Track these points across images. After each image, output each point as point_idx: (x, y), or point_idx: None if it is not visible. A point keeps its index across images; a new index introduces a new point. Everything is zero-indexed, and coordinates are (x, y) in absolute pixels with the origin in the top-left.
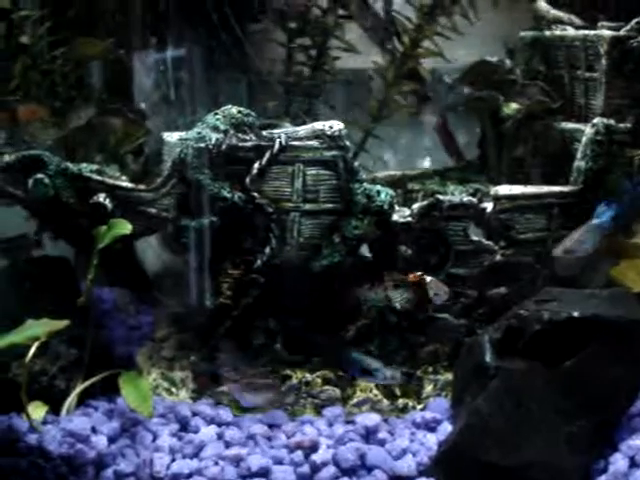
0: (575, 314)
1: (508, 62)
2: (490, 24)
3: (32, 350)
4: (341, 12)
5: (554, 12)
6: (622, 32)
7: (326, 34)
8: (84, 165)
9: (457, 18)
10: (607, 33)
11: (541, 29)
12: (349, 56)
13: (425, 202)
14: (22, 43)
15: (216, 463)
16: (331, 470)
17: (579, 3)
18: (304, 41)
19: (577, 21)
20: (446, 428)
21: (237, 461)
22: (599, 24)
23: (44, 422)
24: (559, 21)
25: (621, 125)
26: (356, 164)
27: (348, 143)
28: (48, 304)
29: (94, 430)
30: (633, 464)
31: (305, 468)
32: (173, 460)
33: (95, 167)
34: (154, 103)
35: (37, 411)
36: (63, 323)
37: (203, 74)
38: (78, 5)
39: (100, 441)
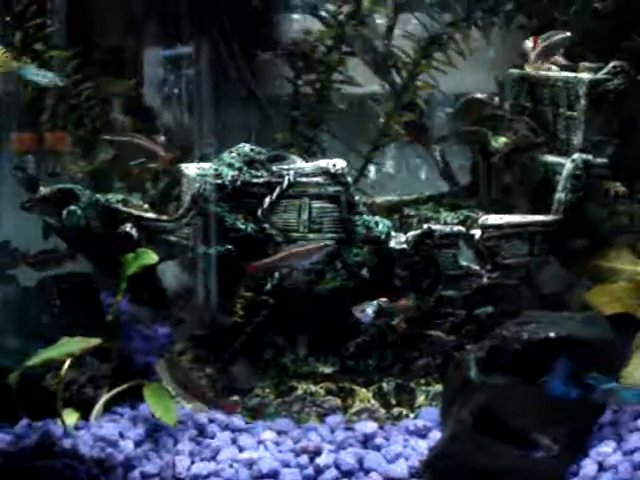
0: (551, 335)
1: (496, 99)
2: (485, 55)
3: (67, 364)
4: (344, 48)
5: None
6: (600, 75)
7: (330, 69)
8: (111, 196)
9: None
10: (586, 76)
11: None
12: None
13: (419, 231)
14: None
15: (231, 466)
16: (333, 472)
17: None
18: (309, 76)
19: (561, 60)
20: (436, 435)
21: (250, 464)
22: (580, 65)
23: (76, 427)
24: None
25: (599, 160)
26: (357, 198)
27: (349, 179)
28: (73, 318)
29: (121, 435)
30: (601, 468)
31: (310, 470)
32: (193, 462)
33: (121, 197)
34: (171, 133)
35: (69, 417)
36: (96, 341)
37: (215, 106)
38: (103, 46)
39: (127, 445)
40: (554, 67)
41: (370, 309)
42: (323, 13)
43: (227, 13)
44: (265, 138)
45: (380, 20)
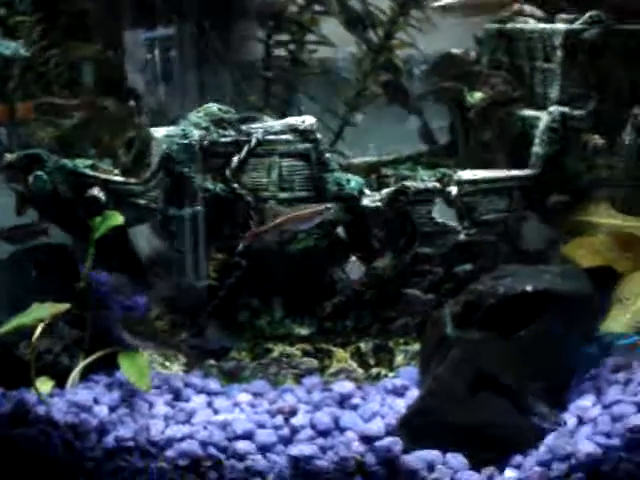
0: (528, 288)
1: (473, 54)
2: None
3: (38, 330)
4: (317, 7)
5: (517, 5)
6: (576, 25)
7: (302, 29)
8: (79, 161)
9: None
10: (561, 27)
11: (505, 21)
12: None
13: (392, 188)
14: None
15: (205, 428)
16: (308, 432)
17: None
18: (282, 36)
19: (538, 13)
20: (414, 394)
21: (224, 426)
22: (557, 17)
23: (51, 395)
24: (521, 13)
25: (576, 112)
26: (327, 155)
27: (319, 136)
28: (51, 289)
29: (96, 401)
30: (580, 422)
31: (285, 431)
32: (167, 426)
33: (90, 162)
34: (143, 97)
35: (44, 386)
36: (65, 306)
37: (189, 68)
38: (69, 12)
39: (102, 410)
40: (531, 20)
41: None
42: None
43: None
44: (239, 103)
45: None
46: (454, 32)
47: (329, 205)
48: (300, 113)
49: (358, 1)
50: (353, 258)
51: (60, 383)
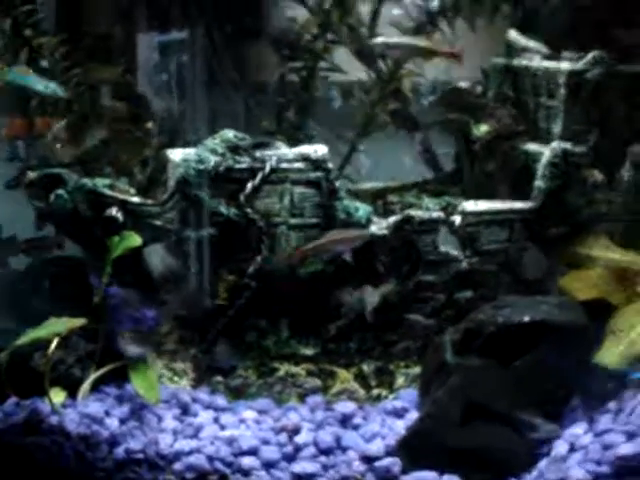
0: (526, 319)
1: (479, 87)
2: (471, 44)
3: (54, 344)
4: (330, 37)
5: (524, 41)
6: (580, 65)
7: (316, 57)
8: (98, 180)
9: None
10: (565, 66)
11: (511, 56)
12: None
13: (398, 217)
14: (42, 67)
15: (212, 443)
16: (311, 450)
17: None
18: (295, 63)
19: (544, 50)
20: (413, 416)
21: (230, 441)
22: (562, 55)
23: (63, 406)
24: (527, 49)
25: (577, 148)
26: (337, 184)
27: (330, 165)
28: (64, 300)
29: (107, 413)
30: (572, 449)
31: (289, 448)
32: (175, 440)
33: (108, 182)
34: (160, 119)
35: (57, 396)
36: (81, 321)
37: (204, 92)
38: (91, 33)
39: (113, 423)
40: (536, 57)
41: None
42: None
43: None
44: (252, 125)
45: (365, 8)
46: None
47: (367, 232)
48: (310, 138)
49: (368, 31)
50: (368, 287)
51: (72, 394)
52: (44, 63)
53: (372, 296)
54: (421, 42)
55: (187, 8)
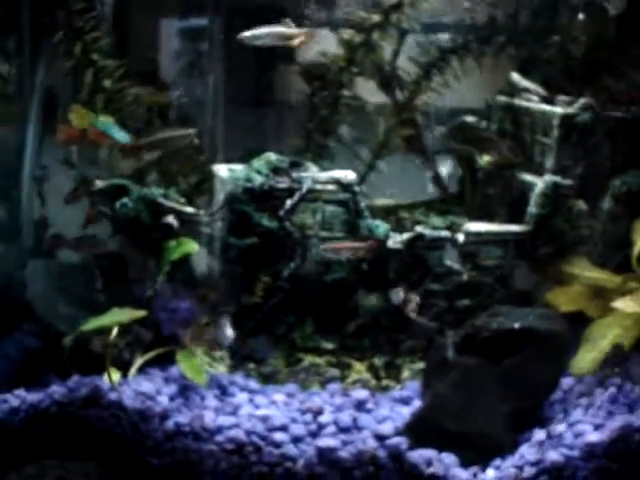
0: (515, 326)
1: (484, 123)
2: (478, 78)
3: (115, 331)
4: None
5: (524, 83)
6: (572, 109)
7: (341, 87)
8: (155, 190)
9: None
10: (559, 110)
11: (512, 95)
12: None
13: (412, 234)
14: (103, 86)
15: (249, 420)
16: (332, 428)
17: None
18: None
19: (542, 92)
20: (417, 403)
21: (264, 419)
22: (557, 98)
23: (118, 384)
24: (527, 90)
25: (565, 181)
26: (362, 205)
27: (357, 189)
28: (112, 291)
29: (157, 391)
30: (549, 436)
31: (313, 426)
32: (217, 416)
33: (162, 191)
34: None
35: (113, 376)
36: (141, 313)
37: (240, 112)
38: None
39: (163, 400)
40: (534, 97)
41: (400, 294)
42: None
43: (253, 25)
44: (281, 142)
45: (386, 43)
46: (468, 94)
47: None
48: (333, 158)
49: (389, 66)
50: (398, 288)
51: (122, 374)
52: (106, 83)
53: (397, 295)
54: (281, 29)
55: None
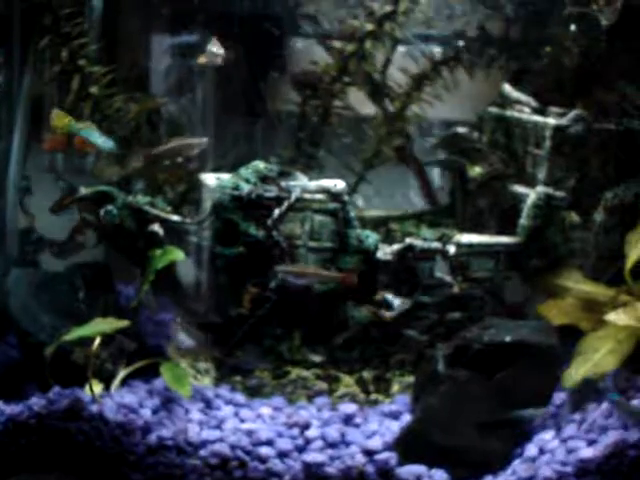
0: (507, 339)
1: (475, 134)
2: (470, 88)
3: (97, 341)
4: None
5: (516, 94)
6: (564, 120)
7: (332, 97)
8: (140, 198)
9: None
10: (551, 121)
11: (504, 106)
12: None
13: (402, 245)
14: (90, 92)
15: (234, 434)
16: (319, 443)
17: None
18: (314, 101)
19: (533, 103)
20: (407, 418)
21: (249, 433)
22: (549, 109)
23: (99, 396)
24: (519, 102)
25: (557, 193)
26: (351, 214)
27: (347, 198)
28: (95, 301)
29: (140, 404)
30: (541, 452)
31: (300, 441)
32: (201, 430)
33: (148, 199)
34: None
35: (95, 387)
36: (124, 323)
37: (228, 119)
38: (131, 63)
39: (146, 413)
40: (526, 109)
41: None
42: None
43: (245, 35)
44: (270, 151)
45: (378, 53)
46: (458, 105)
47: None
48: (322, 167)
49: (380, 75)
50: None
51: (104, 386)
52: (93, 90)
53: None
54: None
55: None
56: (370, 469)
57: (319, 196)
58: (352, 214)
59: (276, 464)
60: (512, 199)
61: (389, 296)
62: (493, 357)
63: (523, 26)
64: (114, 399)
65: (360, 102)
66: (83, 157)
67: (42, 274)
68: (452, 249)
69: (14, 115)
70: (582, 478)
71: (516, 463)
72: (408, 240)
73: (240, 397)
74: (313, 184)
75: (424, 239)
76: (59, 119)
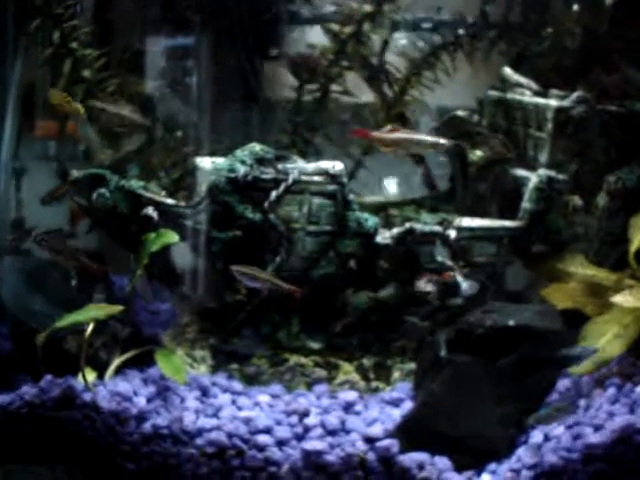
0: (510, 323)
1: (476, 117)
2: (469, 74)
3: (90, 328)
4: (344, 63)
5: (516, 77)
6: (566, 102)
7: (330, 81)
8: (134, 182)
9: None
10: (553, 103)
11: (504, 90)
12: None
13: (402, 229)
14: (83, 76)
15: (231, 422)
16: (319, 431)
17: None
18: (311, 85)
19: (534, 86)
20: (408, 405)
21: (247, 421)
22: (550, 91)
23: (93, 385)
24: (519, 85)
25: (560, 176)
26: (351, 197)
27: (345, 180)
28: (88, 288)
29: (135, 392)
30: (546, 439)
31: (299, 429)
32: (197, 418)
33: (142, 183)
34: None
35: (88, 375)
36: (118, 308)
37: (223, 104)
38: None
39: (140, 401)
40: (527, 92)
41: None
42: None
43: (240, 20)
44: (266, 137)
45: (376, 37)
46: (459, 89)
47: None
48: (319, 153)
49: (378, 60)
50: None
51: (98, 374)
52: (85, 73)
53: (424, 284)
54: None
55: (213, 24)
56: (371, 457)
57: (317, 178)
58: (351, 196)
59: (274, 452)
60: (513, 183)
61: (460, 277)
62: (496, 341)
63: (524, 7)
64: (108, 387)
65: (359, 89)
66: (76, 143)
67: (34, 262)
68: (453, 233)
69: (5, 102)
70: (588, 464)
71: (521, 450)
72: (408, 224)
73: (237, 385)
74: (311, 166)
75: (424, 223)
76: (56, 97)
